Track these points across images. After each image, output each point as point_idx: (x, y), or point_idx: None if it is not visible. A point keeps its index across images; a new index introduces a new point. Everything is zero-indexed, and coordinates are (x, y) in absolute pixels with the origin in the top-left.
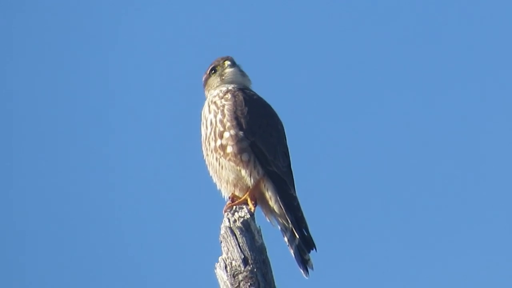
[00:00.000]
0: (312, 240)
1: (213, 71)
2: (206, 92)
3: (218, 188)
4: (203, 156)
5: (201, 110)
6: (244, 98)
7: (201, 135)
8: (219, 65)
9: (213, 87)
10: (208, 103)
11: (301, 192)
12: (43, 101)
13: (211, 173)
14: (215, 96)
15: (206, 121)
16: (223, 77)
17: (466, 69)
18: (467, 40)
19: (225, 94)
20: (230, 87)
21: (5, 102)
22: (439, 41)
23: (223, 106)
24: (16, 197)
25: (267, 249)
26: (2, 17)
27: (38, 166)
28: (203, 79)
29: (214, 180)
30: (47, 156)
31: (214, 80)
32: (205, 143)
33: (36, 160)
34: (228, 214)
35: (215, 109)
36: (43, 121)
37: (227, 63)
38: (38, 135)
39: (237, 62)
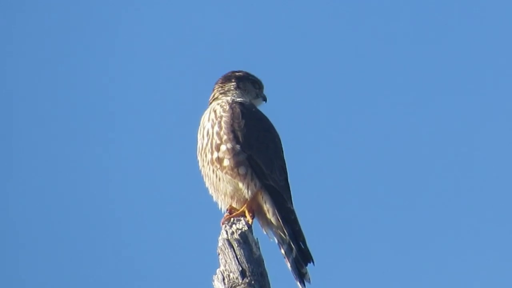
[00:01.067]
0: (310, 253)
1: (256, 84)
2: (223, 86)
3: (214, 200)
4: (199, 166)
5: (202, 115)
6: (242, 111)
7: (196, 142)
8: (260, 88)
9: (245, 91)
10: (210, 110)
11: (298, 205)
12: (42, 101)
13: (207, 184)
14: (218, 104)
15: (204, 129)
16: (254, 99)
17: (463, 69)
18: (466, 40)
19: (225, 105)
20: (238, 99)
21: (5, 102)
22: (437, 41)
23: (221, 117)
24: (15, 197)
25: (264, 261)
26: (2, 16)
27: (37, 167)
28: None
29: (210, 192)
30: (46, 157)
31: (251, 90)
32: (201, 153)
33: (35, 160)
34: (226, 226)
35: (214, 118)
36: (42, 121)
37: (265, 99)
38: (37, 135)
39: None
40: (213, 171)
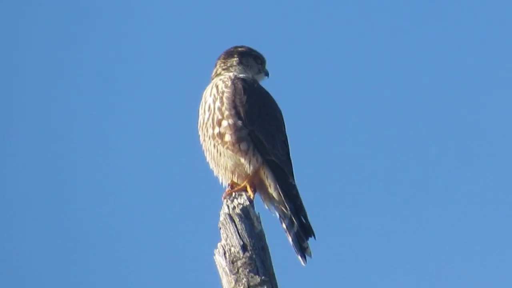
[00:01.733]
0: (311, 227)
1: (258, 60)
2: (226, 61)
3: (215, 174)
4: (200, 140)
5: (204, 90)
6: (243, 87)
7: (198, 116)
8: (263, 63)
9: (248, 67)
10: (212, 85)
11: (299, 180)
12: (40, 100)
13: (208, 158)
14: (220, 80)
15: (205, 104)
16: (257, 74)
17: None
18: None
19: (227, 80)
20: (240, 75)
21: (5, 101)
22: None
23: (222, 93)
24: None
25: (266, 236)
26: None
27: (36, 166)
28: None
29: (211, 166)
30: (45, 155)
31: (254, 66)
32: (202, 128)
33: (34, 159)
34: (227, 201)
35: (215, 93)
36: (40, 121)
37: (267, 74)
38: (36, 134)
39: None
40: (214, 145)
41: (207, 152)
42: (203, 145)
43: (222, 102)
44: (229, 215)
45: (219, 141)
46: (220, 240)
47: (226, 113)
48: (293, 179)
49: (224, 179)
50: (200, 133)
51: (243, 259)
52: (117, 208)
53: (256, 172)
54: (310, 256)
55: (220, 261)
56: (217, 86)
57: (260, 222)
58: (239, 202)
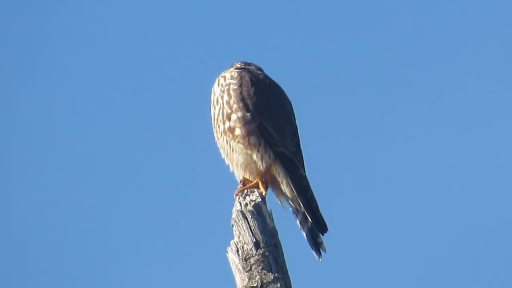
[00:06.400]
0: (324, 221)
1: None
2: (244, 64)
3: (231, 170)
4: (214, 138)
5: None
6: (251, 79)
7: (210, 114)
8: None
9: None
10: (219, 77)
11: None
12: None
13: (223, 155)
14: (228, 71)
15: (214, 96)
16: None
17: None
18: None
19: (233, 72)
20: (241, 67)
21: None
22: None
23: (229, 85)
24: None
25: (278, 232)
26: None
27: (34, 165)
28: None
29: (227, 163)
30: (46, 155)
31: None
32: (214, 125)
33: (31, 158)
34: (239, 198)
35: (223, 83)
36: (38, 120)
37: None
38: (36, 133)
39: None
40: (227, 141)
41: (222, 149)
42: (218, 142)
43: (229, 95)
44: (242, 212)
45: (230, 135)
46: (232, 237)
47: (235, 106)
48: (304, 169)
49: (239, 175)
50: (213, 130)
51: (256, 257)
52: (125, 206)
53: (268, 169)
54: (325, 251)
55: (233, 259)
56: (224, 77)
57: (272, 219)
58: (251, 199)
